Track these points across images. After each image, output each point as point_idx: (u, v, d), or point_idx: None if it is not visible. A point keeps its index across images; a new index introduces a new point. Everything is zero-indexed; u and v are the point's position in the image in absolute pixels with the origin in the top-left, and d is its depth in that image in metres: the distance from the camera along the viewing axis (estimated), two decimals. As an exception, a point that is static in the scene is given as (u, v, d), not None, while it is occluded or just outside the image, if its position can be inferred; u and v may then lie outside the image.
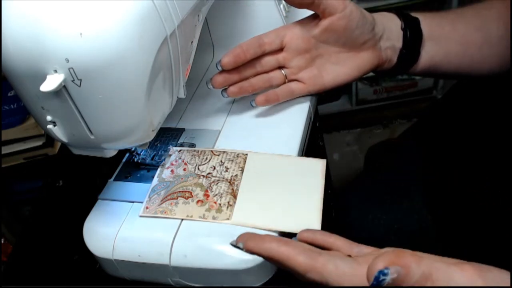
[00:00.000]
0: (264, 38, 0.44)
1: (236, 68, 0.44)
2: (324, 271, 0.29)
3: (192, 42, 0.40)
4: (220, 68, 0.44)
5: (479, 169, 0.48)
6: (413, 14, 0.47)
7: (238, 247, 0.34)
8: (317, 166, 0.42)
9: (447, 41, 0.48)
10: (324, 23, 0.42)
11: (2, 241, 0.65)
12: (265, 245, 0.32)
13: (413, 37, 0.46)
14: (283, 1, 0.56)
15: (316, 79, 0.46)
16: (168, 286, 0.39)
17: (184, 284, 0.39)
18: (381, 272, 0.25)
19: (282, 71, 0.46)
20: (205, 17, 0.44)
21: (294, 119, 0.48)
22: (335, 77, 0.46)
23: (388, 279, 0.25)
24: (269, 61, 0.45)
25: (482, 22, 0.48)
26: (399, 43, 0.46)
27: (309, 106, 0.49)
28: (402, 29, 0.46)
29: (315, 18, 0.43)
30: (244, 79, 0.46)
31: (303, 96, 0.48)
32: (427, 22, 0.47)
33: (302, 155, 0.45)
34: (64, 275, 0.43)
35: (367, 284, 0.27)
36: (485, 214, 0.45)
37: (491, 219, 0.45)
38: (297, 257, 0.30)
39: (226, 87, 0.46)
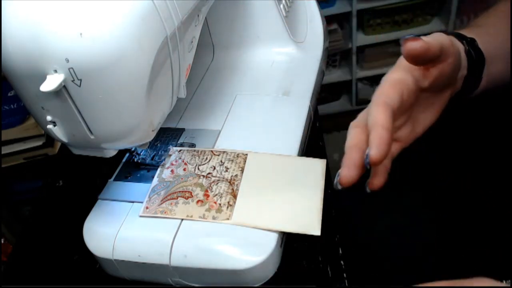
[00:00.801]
0: (393, 106, 0.33)
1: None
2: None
3: (192, 42, 0.39)
4: (368, 167, 0.32)
5: (479, 169, 0.48)
6: (466, 34, 0.41)
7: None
8: (317, 166, 0.42)
9: (496, 59, 0.43)
10: (434, 73, 0.35)
11: (2, 241, 0.65)
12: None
13: (477, 61, 0.40)
14: (283, 1, 0.56)
15: (411, 135, 0.39)
16: (168, 286, 0.39)
17: (184, 284, 0.39)
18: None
19: None
20: (205, 17, 0.44)
21: (294, 119, 0.48)
22: (425, 124, 0.40)
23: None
24: None
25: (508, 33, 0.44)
26: (465, 70, 0.40)
27: (309, 106, 0.49)
28: (465, 52, 0.40)
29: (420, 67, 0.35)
30: None
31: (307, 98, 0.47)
32: (479, 41, 0.41)
33: (302, 155, 0.45)
34: (64, 275, 0.43)
35: None
36: (486, 214, 0.45)
37: (491, 219, 0.45)
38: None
39: None
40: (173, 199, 0.40)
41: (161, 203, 0.40)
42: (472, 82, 0.41)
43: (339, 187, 0.33)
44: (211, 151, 0.44)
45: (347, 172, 0.31)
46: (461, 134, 0.52)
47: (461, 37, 0.40)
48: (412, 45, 0.31)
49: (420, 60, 0.32)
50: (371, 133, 0.31)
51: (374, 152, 0.30)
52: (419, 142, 0.60)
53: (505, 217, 0.43)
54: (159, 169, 0.43)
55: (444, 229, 0.50)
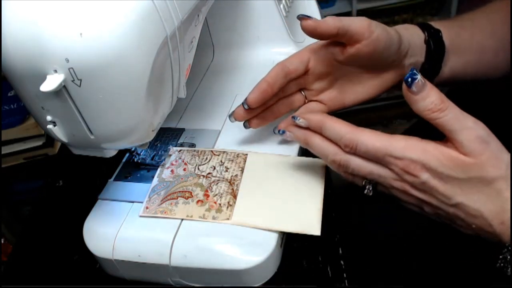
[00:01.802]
0: (289, 66, 0.42)
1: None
2: (360, 132, 0.35)
3: (192, 42, 0.39)
4: (246, 107, 0.42)
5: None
6: (434, 25, 0.45)
7: (294, 118, 0.39)
8: (317, 166, 0.42)
9: (466, 51, 0.46)
10: (350, 50, 0.40)
11: (2, 241, 0.65)
12: (316, 115, 0.38)
13: (436, 51, 0.44)
14: (283, 1, 0.56)
15: (336, 100, 0.45)
16: (168, 286, 0.39)
17: (184, 284, 0.39)
18: (415, 69, 0.33)
19: (302, 92, 0.45)
20: (205, 17, 0.44)
21: (294, 119, 0.47)
22: (356, 97, 0.45)
23: (419, 78, 0.32)
24: (291, 86, 0.44)
25: (494, 27, 0.47)
26: (421, 58, 0.44)
27: (309, 106, 0.49)
28: (425, 42, 0.44)
29: (340, 43, 0.41)
30: (267, 108, 0.44)
31: None
32: (447, 33, 0.45)
33: (302, 155, 0.45)
34: (64, 275, 0.43)
35: (393, 148, 0.34)
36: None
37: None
38: (340, 122, 0.37)
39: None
40: (173, 199, 0.40)
41: (161, 203, 0.40)
42: (429, 71, 0.45)
43: (232, 119, 0.43)
44: (211, 151, 0.44)
45: (252, 95, 0.41)
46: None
47: (425, 27, 0.45)
48: (303, 23, 0.39)
49: (315, 34, 0.39)
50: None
51: (250, 96, 0.41)
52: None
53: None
54: (159, 169, 0.43)
55: (444, 229, 0.50)
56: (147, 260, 0.37)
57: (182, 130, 0.48)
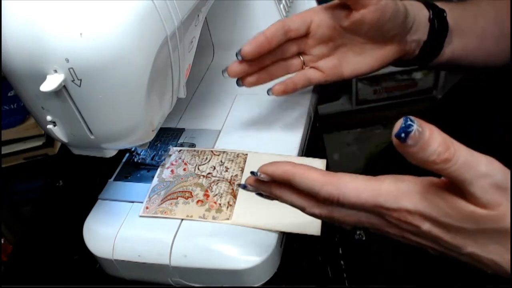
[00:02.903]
0: (290, 25, 0.40)
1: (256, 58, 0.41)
2: (340, 182, 0.28)
3: (192, 42, 0.39)
4: (240, 58, 0.40)
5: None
6: (439, 5, 0.45)
7: (254, 173, 0.32)
8: (317, 166, 0.42)
9: (468, 34, 0.46)
10: (356, 15, 0.39)
11: (2, 241, 0.65)
12: (279, 165, 0.30)
13: (439, 30, 0.44)
14: (283, 1, 0.56)
15: (335, 69, 0.43)
16: (168, 286, 0.39)
17: (184, 284, 0.39)
18: (409, 118, 0.25)
19: (301, 57, 0.44)
20: (205, 17, 0.44)
21: (294, 119, 0.48)
22: (356, 68, 0.44)
23: (415, 127, 0.24)
24: (290, 47, 0.42)
25: (498, 14, 0.46)
26: (424, 36, 0.43)
27: (309, 106, 0.49)
28: (429, 20, 0.43)
29: (346, 7, 0.40)
30: (263, 67, 0.43)
31: (308, 88, 0.47)
32: (451, 14, 0.44)
33: (302, 155, 0.45)
34: (64, 275, 0.43)
35: (383, 197, 0.27)
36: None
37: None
38: (313, 172, 0.29)
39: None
40: (173, 199, 0.40)
41: (161, 203, 0.40)
42: (431, 49, 0.44)
43: (226, 75, 0.42)
44: (211, 151, 0.44)
45: (247, 45, 0.39)
46: (461, 134, 0.52)
47: (430, 6, 0.44)
48: None
49: None
50: None
51: (245, 46, 0.39)
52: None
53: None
54: (159, 169, 0.43)
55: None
56: (147, 260, 0.37)
57: (182, 130, 0.48)
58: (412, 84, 1.47)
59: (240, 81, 0.43)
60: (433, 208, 0.26)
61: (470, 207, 0.25)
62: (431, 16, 0.43)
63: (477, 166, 0.25)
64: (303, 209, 0.31)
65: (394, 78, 1.47)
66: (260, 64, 0.42)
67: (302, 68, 0.44)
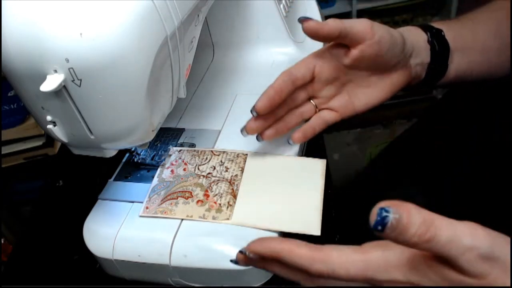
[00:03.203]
0: (295, 73, 0.41)
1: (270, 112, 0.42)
2: (327, 259, 0.28)
3: (192, 42, 0.39)
4: (255, 114, 0.41)
5: (480, 169, 0.48)
6: (435, 25, 0.45)
7: (242, 252, 0.32)
8: (317, 166, 0.42)
9: (470, 50, 0.46)
10: (354, 52, 0.40)
11: (2, 241, 0.65)
12: (266, 243, 0.31)
13: (441, 50, 0.44)
14: (283, 1, 0.56)
15: (347, 106, 0.44)
16: (168, 286, 0.39)
17: (184, 284, 0.39)
18: (383, 209, 0.24)
19: (312, 102, 0.44)
20: (205, 17, 0.44)
21: (294, 119, 0.47)
22: (367, 101, 0.44)
23: (391, 217, 0.24)
24: (300, 95, 0.43)
25: (497, 26, 0.46)
26: (427, 58, 0.44)
27: (309, 106, 0.49)
28: (428, 42, 0.44)
29: (344, 45, 0.41)
30: (278, 119, 0.43)
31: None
32: (450, 33, 0.45)
33: (302, 155, 0.45)
34: (64, 275, 0.43)
35: (372, 271, 0.27)
36: (486, 214, 0.45)
37: (491, 219, 0.45)
38: (300, 249, 0.29)
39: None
40: (173, 199, 0.40)
41: (161, 203, 0.40)
42: (436, 70, 0.45)
43: (245, 133, 0.42)
44: (211, 151, 0.44)
45: (259, 102, 0.40)
46: (461, 134, 0.52)
47: (426, 28, 0.44)
48: (305, 24, 0.38)
49: (317, 36, 0.39)
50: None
51: (258, 102, 0.40)
52: (419, 142, 0.60)
53: (505, 215, 0.43)
54: (159, 169, 0.43)
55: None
56: (147, 260, 0.37)
57: (182, 130, 0.48)
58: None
59: (260, 136, 0.43)
60: (423, 278, 0.27)
61: (460, 277, 0.26)
62: (430, 38, 0.44)
63: (460, 240, 0.25)
64: (298, 283, 0.31)
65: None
66: (275, 116, 0.43)
67: (316, 112, 0.44)
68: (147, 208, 0.40)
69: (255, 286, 0.37)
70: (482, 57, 0.47)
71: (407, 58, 0.43)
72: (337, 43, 0.41)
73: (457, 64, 0.46)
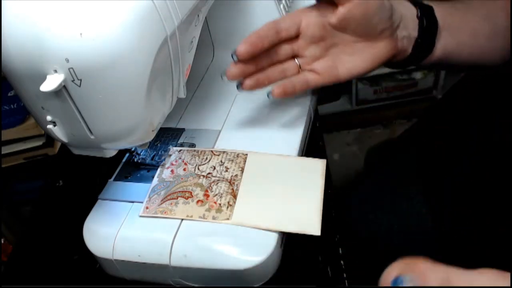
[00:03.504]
0: (281, 24, 0.41)
1: (251, 58, 0.42)
2: None
3: (192, 42, 0.39)
4: (235, 58, 0.41)
5: (480, 169, 0.48)
6: (426, 2, 0.45)
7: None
8: (317, 166, 0.42)
9: (459, 31, 0.46)
10: (342, 10, 0.40)
11: (2, 241, 0.65)
12: None
13: (429, 26, 0.44)
14: (283, 1, 0.56)
15: (331, 71, 0.44)
16: (168, 286, 0.39)
17: (184, 284, 0.39)
18: (397, 280, 0.24)
19: (296, 61, 0.44)
20: (205, 17, 0.44)
21: (294, 119, 0.48)
22: (350, 69, 0.44)
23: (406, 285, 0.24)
24: (284, 49, 0.43)
25: (489, 12, 0.46)
26: (414, 32, 0.44)
27: (309, 106, 0.49)
28: (418, 17, 0.44)
29: (332, 4, 0.40)
30: (260, 70, 0.43)
31: (310, 90, 0.47)
32: (440, 11, 0.45)
33: (302, 155, 0.45)
34: (64, 275, 0.43)
35: None
36: (486, 214, 0.45)
37: (491, 219, 0.45)
38: None
39: (240, 80, 0.44)
40: (173, 199, 0.40)
41: (161, 203, 0.40)
42: (423, 46, 0.45)
43: (224, 78, 0.43)
44: (211, 151, 0.44)
45: (241, 45, 0.40)
46: (462, 134, 0.52)
47: (417, 4, 0.44)
48: None
49: None
50: None
51: (239, 46, 0.40)
52: (419, 142, 0.60)
53: (505, 215, 0.43)
54: (159, 169, 0.43)
55: (444, 229, 0.50)
56: (147, 260, 0.37)
57: (182, 130, 0.48)
58: (412, 84, 1.47)
59: (240, 85, 0.43)
60: None
61: None
62: (419, 14, 0.44)
63: None
64: None
65: (394, 78, 1.47)
66: (257, 65, 0.43)
67: (298, 72, 0.44)
68: (147, 208, 0.40)
69: (255, 286, 0.37)
70: (472, 41, 0.47)
71: (394, 27, 0.42)
72: (326, 1, 0.41)
73: (445, 43, 0.46)
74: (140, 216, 0.39)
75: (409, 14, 0.44)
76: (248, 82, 0.43)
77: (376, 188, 0.58)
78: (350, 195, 0.60)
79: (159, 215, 0.39)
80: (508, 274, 0.25)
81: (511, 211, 0.43)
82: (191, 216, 0.38)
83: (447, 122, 0.57)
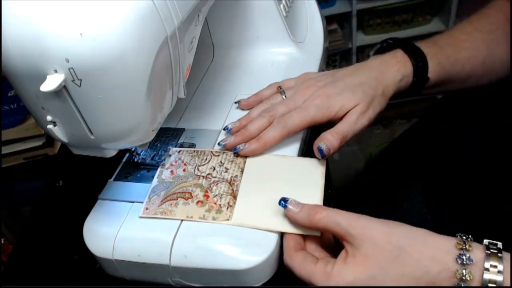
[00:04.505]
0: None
1: None
2: None
3: (192, 42, 0.39)
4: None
5: (480, 169, 0.48)
6: (428, 49, 0.47)
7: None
8: (317, 166, 0.42)
9: (454, 48, 0.48)
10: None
11: (2, 241, 0.65)
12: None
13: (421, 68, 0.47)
14: (283, 1, 0.56)
15: None
16: (168, 286, 0.39)
17: (184, 284, 0.39)
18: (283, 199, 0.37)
19: None
20: (205, 17, 0.44)
21: (294, 119, 0.47)
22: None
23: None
24: None
25: (488, 53, 0.48)
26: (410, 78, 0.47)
27: (309, 106, 0.49)
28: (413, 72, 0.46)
29: None
30: None
31: None
32: (438, 69, 0.47)
33: (302, 155, 0.45)
34: (64, 275, 0.43)
35: None
36: (486, 214, 0.45)
37: (491, 219, 0.45)
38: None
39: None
40: (173, 199, 0.40)
41: (161, 204, 0.40)
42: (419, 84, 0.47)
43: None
44: (211, 151, 0.44)
45: None
46: (461, 134, 0.52)
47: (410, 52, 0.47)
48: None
49: None
50: None
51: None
52: (419, 142, 0.60)
53: (505, 214, 0.43)
54: (158, 170, 0.43)
55: (444, 229, 0.50)
56: (147, 260, 0.37)
57: (182, 130, 0.48)
58: (412, 84, 1.47)
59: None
60: None
61: None
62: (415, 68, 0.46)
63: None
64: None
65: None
66: None
67: None
68: (147, 209, 0.40)
69: (255, 286, 0.37)
70: (471, 53, 0.48)
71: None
72: None
73: (440, 60, 0.48)
74: (140, 217, 0.39)
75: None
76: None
77: (376, 188, 0.58)
78: (350, 195, 0.60)
79: (159, 215, 0.39)
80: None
81: (511, 211, 0.43)
82: (191, 217, 0.38)
83: (447, 122, 0.57)
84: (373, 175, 0.62)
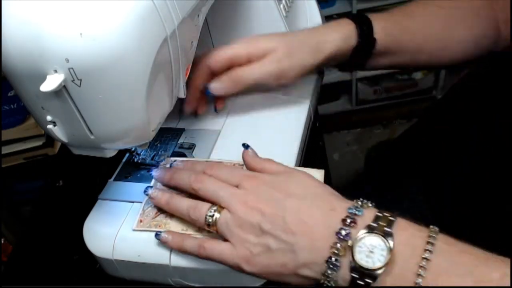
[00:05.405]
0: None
1: None
2: None
3: (192, 42, 0.39)
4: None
5: (480, 169, 0.48)
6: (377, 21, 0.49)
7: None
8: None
9: (405, 17, 0.49)
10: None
11: (2, 241, 0.65)
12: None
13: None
14: (283, 1, 0.56)
15: None
16: (168, 286, 0.39)
17: (184, 284, 0.39)
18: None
19: None
20: (205, 17, 0.44)
21: (294, 119, 0.47)
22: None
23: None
24: None
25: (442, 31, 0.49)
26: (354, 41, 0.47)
27: (309, 106, 0.49)
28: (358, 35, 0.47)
29: None
30: None
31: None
32: (387, 37, 0.48)
33: (302, 155, 0.45)
34: (64, 275, 0.43)
35: None
36: (486, 214, 0.45)
37: (491, 219, 0.45)
38: None
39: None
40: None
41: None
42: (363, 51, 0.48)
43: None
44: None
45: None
46: (461, 134, 0.52)
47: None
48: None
49: None
50: None
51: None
52: (419, 142, 0.60)
53: (505, 213, 0.43)
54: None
55: (444, 229, 0.50)
56: (147, 260, 0.37)
57: (182, 130, 0.48)
58: (412, 84, 1.47)
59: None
60: None
61: None
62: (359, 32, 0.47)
63: None
64: None
65: (394, 78, 1.47)
66: None
67: None
68: (140, 221, 0.39)
69: (255, 286, 0.37)
70: (424, 26, 0.49)
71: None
72: None
73: (385, 26, 0.49)
74: (134, 230, 0.38)
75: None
76: None
77: (376, 188, 0.58)
78: (350, 195, 0.60)
79: (153, 228, 0.38)
80: None
81: (511, 211, 0.43)
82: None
83: (447, 122, 0.57)
84: (373, 175, 0.62)
